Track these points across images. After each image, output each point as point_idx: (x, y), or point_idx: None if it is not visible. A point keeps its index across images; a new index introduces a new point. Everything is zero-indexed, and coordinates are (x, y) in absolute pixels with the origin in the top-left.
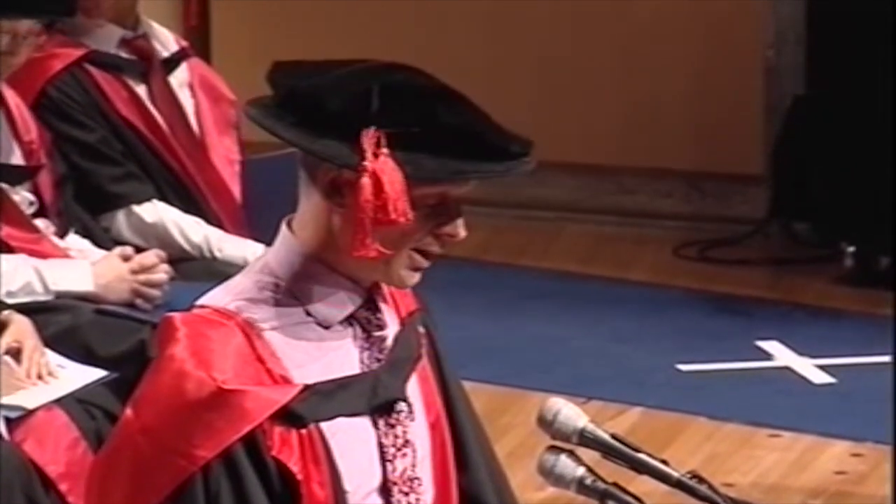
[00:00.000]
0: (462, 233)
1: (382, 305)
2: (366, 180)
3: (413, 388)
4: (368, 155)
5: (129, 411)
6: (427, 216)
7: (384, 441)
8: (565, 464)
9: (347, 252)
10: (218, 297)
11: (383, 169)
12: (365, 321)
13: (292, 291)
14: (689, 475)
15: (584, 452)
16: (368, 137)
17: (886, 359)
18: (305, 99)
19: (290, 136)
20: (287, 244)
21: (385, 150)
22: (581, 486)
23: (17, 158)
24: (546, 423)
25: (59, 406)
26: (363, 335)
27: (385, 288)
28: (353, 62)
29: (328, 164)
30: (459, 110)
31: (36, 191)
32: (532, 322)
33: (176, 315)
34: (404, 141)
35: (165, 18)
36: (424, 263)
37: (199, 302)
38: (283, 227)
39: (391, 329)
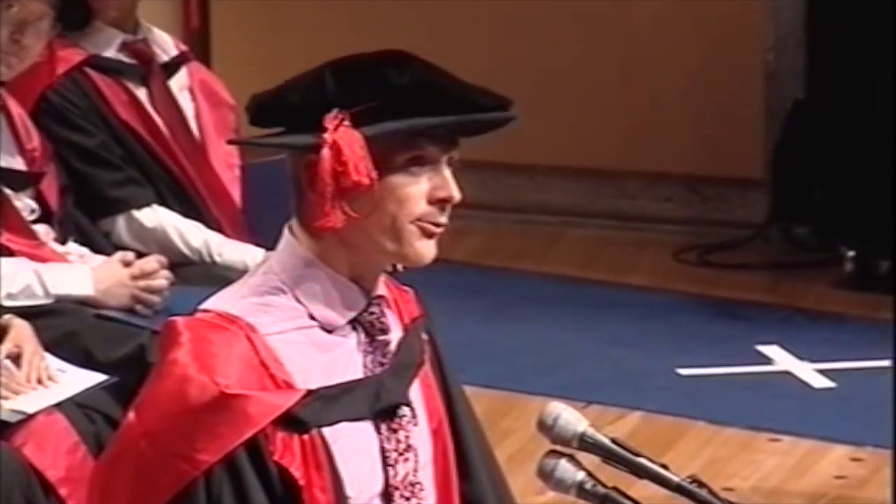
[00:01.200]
0: (456, 194)
1: (386, 310)
2: (326, 151)
3: (415, 393)
4: (329, 130)
5: (131, 415)
6: (416, 181)
7: (386, 446)
8: (565, 468)
9: (350, 255)
10: (221, 301)
11: (342, 137)
12: (368, 325)
13: (295, 295)
14: (688, 479)
15: (584, 457)
16: (330, 119)
17: (886, 363)
18: (269, 105)
19: (258, 139)
20: (290, 248)
21: (346, 123)
22: (581, 490)
23: (20, 166)
24: (546, 428)
25: (59, 410)
26: (367, 339)
27: (389, 294)
28: None
29: (306, 159)
30: (410, 70)
31: (39, 198)
32: (532, 326)
33: (179, 319)
34: (367, 116)
35: (165, 22)
36: (435, 229)
37: (203, 306)
38: (286, 232)
39: (395, 334)
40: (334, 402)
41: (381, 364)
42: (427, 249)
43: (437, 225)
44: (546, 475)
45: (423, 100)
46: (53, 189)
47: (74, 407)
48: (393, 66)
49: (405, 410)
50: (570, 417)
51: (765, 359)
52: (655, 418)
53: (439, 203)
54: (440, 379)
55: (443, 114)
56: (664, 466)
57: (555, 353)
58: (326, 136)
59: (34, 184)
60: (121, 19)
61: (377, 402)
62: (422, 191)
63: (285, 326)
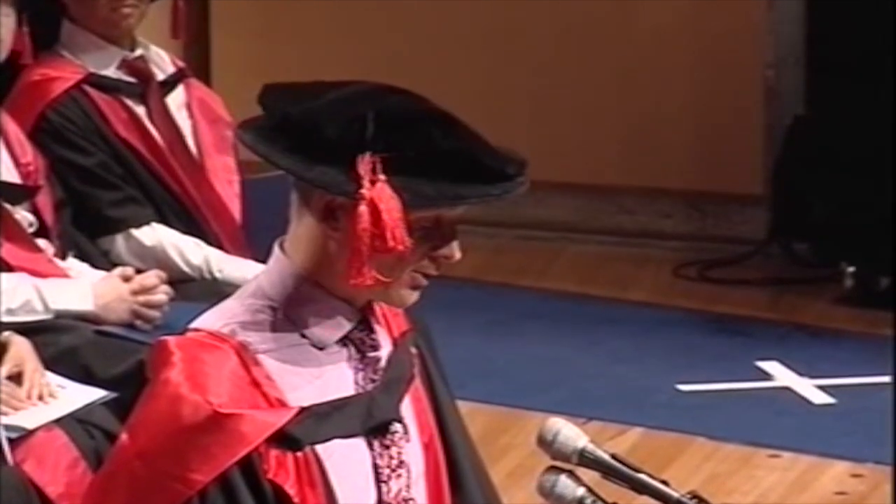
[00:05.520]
0: (457, 255)
1: (375, 326)
2: (363, 208)
3: (406, 408)
4: (365, 182)
5: (124, 436)
6: (422, 239)
7: (379, 462)
8: (565, 484)
9: (344, 277)
10: (211, 320)
11: (380, 197)
12: (359, 342)
13: (286, 313)
14: (689, 495)
15: (584, 473)
16: (364, 164)
17: (886, 379)
18: (300, 125)
19: (286, 163)
20: (280, 266)
21: (382, 177)
22: None
23: (16, 180)
24: (546, 444)
25: (59, 426)
26: (357, 356)
27: (378, 309)
28: (345, 84)
29: (326, 195)
30: (455, 134)
31: (35, 212)
32: (532, 342)
33: (170, 339)
34: (400, 165)
35: (163, 39)
36: (423, 282)
37: (193, 325)
38: (276, 249)
39: (384, 350)
40: (327, 419)
41: (373, 380)
42: (410, 298)
43: (428, 277)
44: (546, 491)
45: (460, 166)
46: (49, 204)
47: (74, 423)
48: (438, 126)
49: (397, 426)
50: (570, 433)
51: (765, 375)
52: (655, 434)
53: (438, 259)
54: (429, 392)
55: (474, 181)
56: (664, 482)
57: (555, 369)
58: (364, 191)
59: (30, 198)
60: (119, 37)
61: (369, 419)
62: (426, 247)
63: (276, 344)
